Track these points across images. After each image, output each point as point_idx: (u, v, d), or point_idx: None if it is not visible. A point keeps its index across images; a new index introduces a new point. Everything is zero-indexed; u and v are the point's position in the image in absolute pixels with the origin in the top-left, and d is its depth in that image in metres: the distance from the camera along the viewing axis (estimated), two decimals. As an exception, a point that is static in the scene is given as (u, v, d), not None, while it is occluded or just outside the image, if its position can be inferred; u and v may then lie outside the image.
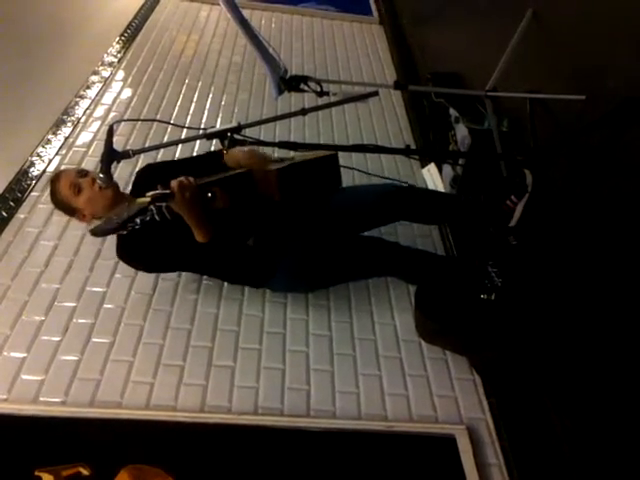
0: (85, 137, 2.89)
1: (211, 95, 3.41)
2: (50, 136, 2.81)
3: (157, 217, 1.71)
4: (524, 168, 2.00)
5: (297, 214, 2.08)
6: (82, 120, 2.99)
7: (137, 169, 2.56)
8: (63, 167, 2.65)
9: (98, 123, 3.00)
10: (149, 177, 2.05)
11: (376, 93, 1.81)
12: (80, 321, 2.01)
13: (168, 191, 1.58)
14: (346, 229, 2.08)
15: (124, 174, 2.56)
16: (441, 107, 2.71)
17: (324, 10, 4.65)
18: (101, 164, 1.66)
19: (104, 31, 3.75)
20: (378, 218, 2.19)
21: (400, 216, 2.27)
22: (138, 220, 1.47)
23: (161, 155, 2.78)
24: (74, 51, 3.36)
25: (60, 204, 1.92)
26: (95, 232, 1.51)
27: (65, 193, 1.86)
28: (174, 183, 1.62)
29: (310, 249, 2.00)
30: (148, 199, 1.49)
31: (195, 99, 3.36)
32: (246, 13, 1.90)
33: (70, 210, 1.91)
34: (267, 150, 2.17)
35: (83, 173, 1.90)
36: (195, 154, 2.82)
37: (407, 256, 2.08)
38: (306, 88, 2.03)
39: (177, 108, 3.25)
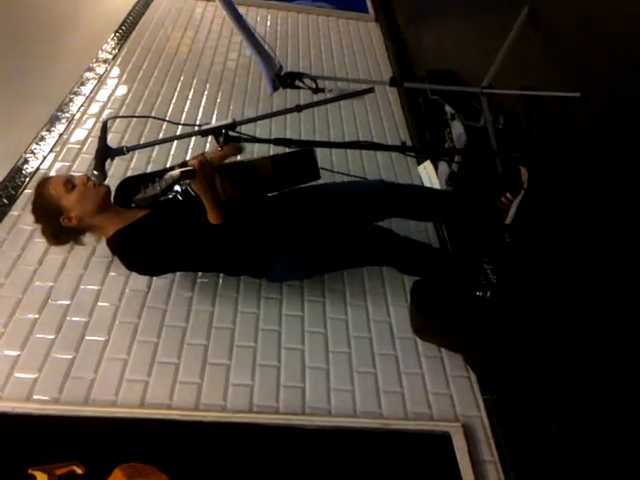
0: (79, 134, 2.86)
1: (206, 92, 3.40)
2: (44, 133, 2.79)
3: (180, 197, 1.88)
4: (520, 165, 2.01)
5: (293, 202, 2.09)
6: (76, 117, 2.97)
7: (130, 168, 2.55)
8: (56, 165, 2.63)
9: (93, 120, 2.98)
10: (130, 190, 2.03)
11: (372, 90, 1.81)
12: (74, 319, 2.00)
13: (191, 168, 1.67)
14: (340, 223, 2.07)
15: (118, 172, 2.54)
16: (437, 104, 2.71)
17: (320, 7, 4.64)
18: (95, 161, 1.65)
19: (99, 28, 3.74)
20: (371, 214, 2.18)
21: (394, 213, 2.26)
22: (177, 188, 1.63)
23: (156, 152, 2.77)
24: (68, 48, 3.34)
25: (45, 205, 1.84)
26: (139, 201, 1.66)
27: (56, 191, 1.82)
28: (194, 161, 1.71)
29: (309, 235, 2.00)
30: (178, 172, 1.62)
31: (190, 96, 3.34)
32: (241, 10, 1.89)
33: (55, 212, 1.83)
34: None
35: (74, 175, 1.91)
36: (189, 154, 2.81)
37: (404, 244, 2.08)
38: (301, 85, 2.02)
39: (172, 105, 3.24)
